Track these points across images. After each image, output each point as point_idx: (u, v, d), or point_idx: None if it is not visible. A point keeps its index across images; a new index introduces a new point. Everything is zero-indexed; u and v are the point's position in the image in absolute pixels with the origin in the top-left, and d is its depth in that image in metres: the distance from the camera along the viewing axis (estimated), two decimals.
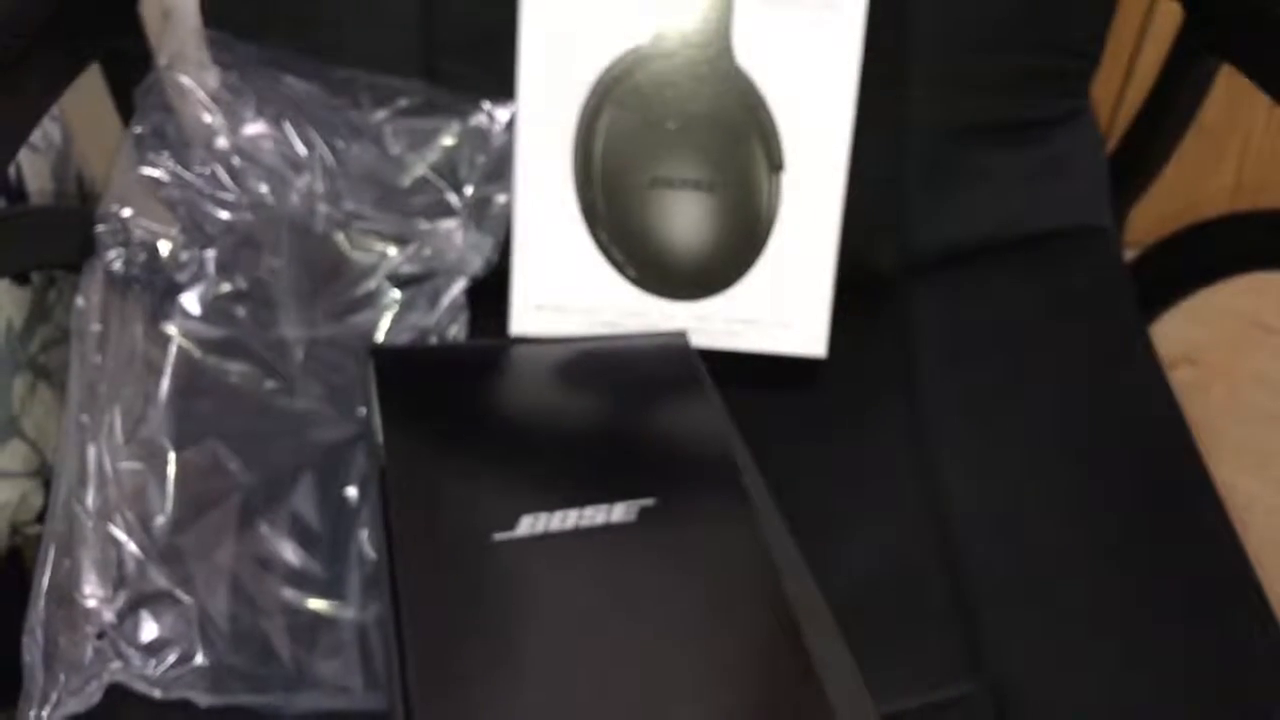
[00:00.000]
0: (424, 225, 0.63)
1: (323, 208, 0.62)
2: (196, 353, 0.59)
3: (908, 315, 0.68)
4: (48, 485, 0.67)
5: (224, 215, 0.61)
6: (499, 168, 0.63)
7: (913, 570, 0.58)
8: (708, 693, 0.47)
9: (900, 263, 0.70)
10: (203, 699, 0.52)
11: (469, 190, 0.63)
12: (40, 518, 0.67)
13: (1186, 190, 1.12)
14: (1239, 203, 1.16)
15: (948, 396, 0.65)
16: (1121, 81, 1.06)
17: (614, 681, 0.47)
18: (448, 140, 0.63)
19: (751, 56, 0.60)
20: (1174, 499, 0.62)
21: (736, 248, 0.63)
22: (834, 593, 0.53)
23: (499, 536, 0.51)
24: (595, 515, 0.52)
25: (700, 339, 0.64)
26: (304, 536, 0.56)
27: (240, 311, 0.60)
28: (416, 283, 0.63)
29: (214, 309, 0.60)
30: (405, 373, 0.58)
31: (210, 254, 0.60)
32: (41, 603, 0.53)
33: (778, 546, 0.53)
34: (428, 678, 0.46)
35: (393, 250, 0.63)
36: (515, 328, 0.64)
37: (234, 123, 0.61)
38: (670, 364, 0.62)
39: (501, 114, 0.63)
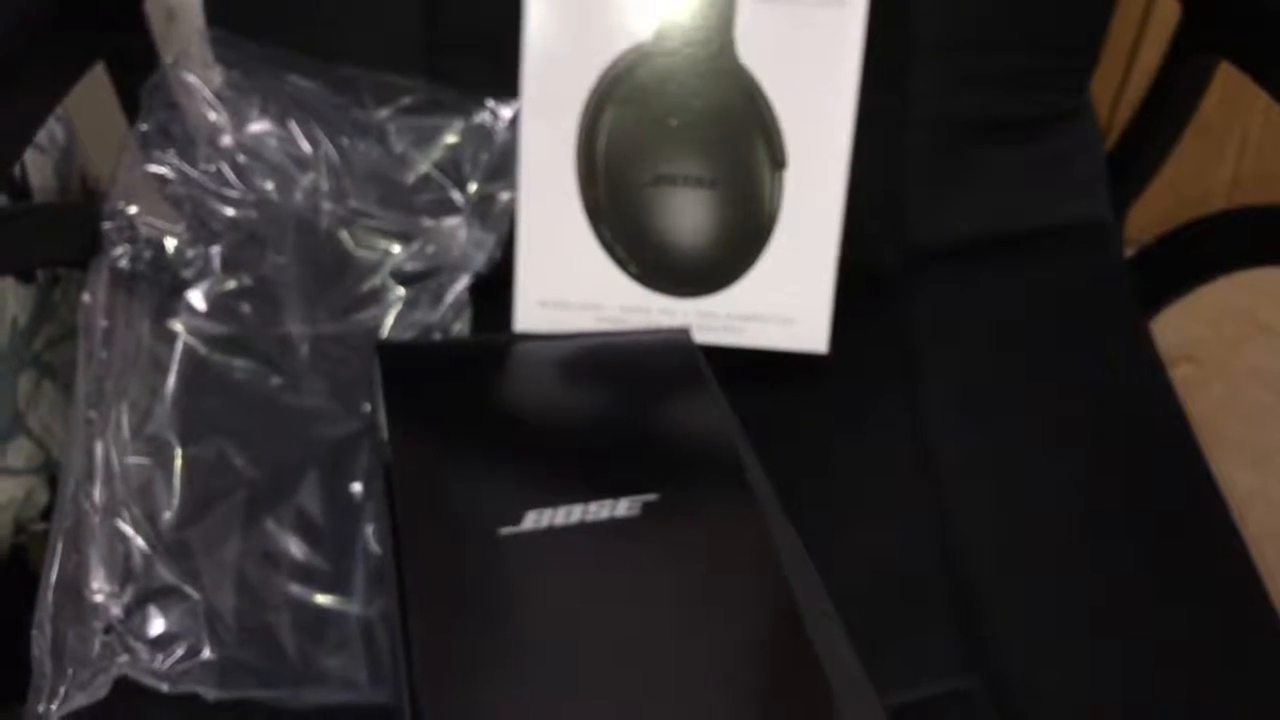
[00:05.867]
0: (428, 222, 0.63)
1: (327, 205, 0.62)
2: (202, 349, 0.59)
3: (909, 311, 0.69)
4: (53, 482, 0.67)
5: (229, 212, 0.61)
6: (502, 165, 0.63)
7: (914, 566, 0.59)
8: (712, 687, 0.47)
9: (901, 259, 0.70)
10: (210, 693, 0.52)
11: (472, 187, 0.64)
12: (45, 515, 0.68)
13: (1185, 187, 1.12)
14: (1237, 199, 1.16)
15: (948, 393, 0.65)
16: (1120, 79, 1.06)
17: (618, 675, 0.47)
18: (451, 138, 0.63)
19: (754, 53, 0.60)
20: (1175, 495, 0.62)
21: (739, 244, 0.63)
22: (836, 587, 0.53)
23: (504, 531, 0.51)
24: (599, 510, 0.52)
25: (703, 335, 0.64)
26: (309, 532, 0.56)
27: (245, 308, 0.61)
28: (420, 279, 0.64)
29: (219, 306, 0.60)
30: (410, 369, 0.59)
31: (215, 251, 0.61)
32: (49, 597, 0.53)
33: (781, 541, 0.53)
34: (433, 672, 0.46)
35: (397, 247, 0.63)
36: (519, 324, 0.64)
37: (239, 121, 0.61)
38: (673, 360, 0.62)
39: (505, 112, 0.63)
